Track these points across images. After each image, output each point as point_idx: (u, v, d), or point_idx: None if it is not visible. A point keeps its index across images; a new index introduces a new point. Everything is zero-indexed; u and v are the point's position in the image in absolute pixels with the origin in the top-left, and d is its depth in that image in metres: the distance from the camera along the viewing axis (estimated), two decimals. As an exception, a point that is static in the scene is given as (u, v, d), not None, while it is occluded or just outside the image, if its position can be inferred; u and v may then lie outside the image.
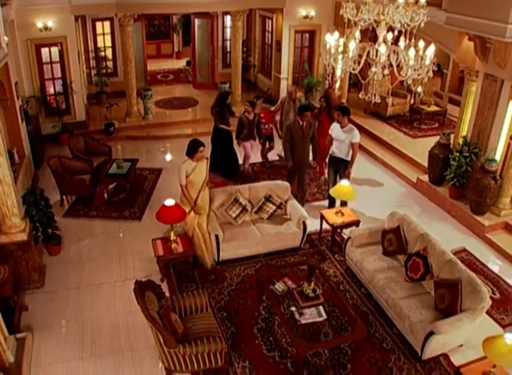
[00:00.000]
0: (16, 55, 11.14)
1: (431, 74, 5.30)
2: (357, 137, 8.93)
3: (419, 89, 5.51)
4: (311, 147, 9.55)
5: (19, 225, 7.07)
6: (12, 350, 5.95)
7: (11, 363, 5.86)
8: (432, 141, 10.66)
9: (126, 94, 13.36)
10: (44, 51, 12.06)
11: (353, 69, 5.32)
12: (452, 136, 10.27)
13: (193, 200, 7.79)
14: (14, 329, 6.36)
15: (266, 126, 11.30)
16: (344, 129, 8.93)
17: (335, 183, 9.09)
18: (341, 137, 8.95)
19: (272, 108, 11.63)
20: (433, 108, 13.92)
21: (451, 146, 10.06)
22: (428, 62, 5.14)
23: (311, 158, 9.75)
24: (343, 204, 9.23)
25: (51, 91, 12.56)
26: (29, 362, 6.13)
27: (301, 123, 9.09)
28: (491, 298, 6.38)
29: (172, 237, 7.63)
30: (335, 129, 9.11)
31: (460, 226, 9.42)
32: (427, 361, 6.32)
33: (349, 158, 9.05)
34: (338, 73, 5.49)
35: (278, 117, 11.53)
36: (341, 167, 9.16)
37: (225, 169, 10.88)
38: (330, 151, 9.38)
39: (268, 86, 15.63)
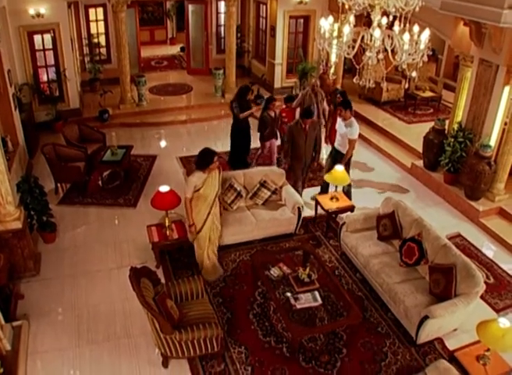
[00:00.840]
0: (9, 42, 11.03)
1: (425, 59, 5.28)
2: (354, 133, 8.76)
3: (414, 74, 5.49)
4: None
5: (14, 213, 7.05)
6: (8, 338, 5.97)
7: (8, 351, 5.88)
8: (426, 127, 10.66)
9: (119, 81, 13.26)
10: (37, 38, 11.93)
11: (348, 54, 5.28)
12: (447, 121, 10.27)
13: (193, 217, 7.13)
14: (10, 317, 6.38)
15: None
16: (346, 122, 8.78)
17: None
18: (341, 131, 8.87)
19: (293, 105, 11.09)
20: (428, 93, 13.89)
21: (446, 132, 10.06)
22: (422, 46, 5.12)
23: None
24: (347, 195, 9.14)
25: (45, 78, 12.46)
26: (25, 350, 6.14)
27: (304, 125, 8.65)
28: (485, 282, 6.44)
29: (167, 223, 7.63)
30: (339, 121, 9.00)
31: (455, 211, 9.45)
32: (421, 345, 6.37)
33: (344, 152, 8.95)
34: (332, 58, 5.46)
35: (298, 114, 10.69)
36: (338, 159, 9.02)
37: (246, 165, 10.43)
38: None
39: (263, 72, 15.55)
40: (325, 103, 11.14)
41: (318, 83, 11.06)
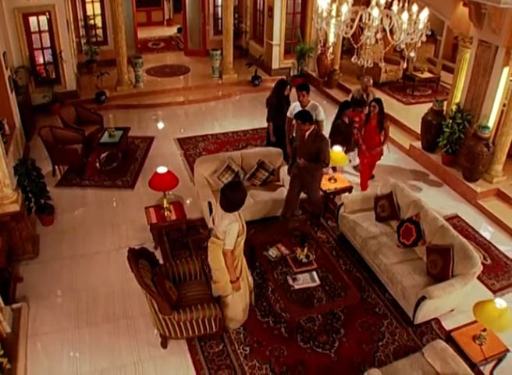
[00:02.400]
0: (4, 24, 10.91)
1: (424, 39, 5.25)
2: (322, 114, 8.46)
3: (412, 54, 5.46)
4: None
5: (12, 196, 7.04)
6: (8, 320, 6.01)
7: (8, 333, 5.93)
8: (425, 108, 10.62)
9: (116, 63, 13.17)
10: (32, 20, 11.76)
11: (346, 34, 5.25)
12: (445, 103, 10.22)
13: (237, 270, 5.89)
14: (9, 300, 6.40)
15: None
16: (307, 107, 8.29)
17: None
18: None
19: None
20: (426, 75, 13.81)
21: (444, 113, 10.03)
22: (421, 26, 5.10)
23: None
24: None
25: (41, 60, 12.32)
26: (25, 332, 6.17)
27: (303, 131, 7.41)
28: (482, 263, 6.44)
29: (165, 204, 7.64)
30: (296, 109, 8.30)
31: (453, 192, 9.46)
32: (419, 325, 6.43)
33: None
34: (331, 37, 5.41)
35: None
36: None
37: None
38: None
39: (260, 53, 15.43)
40: None
41: (371, 82, 9.83)
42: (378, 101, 8.46)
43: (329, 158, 7.49)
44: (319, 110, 8.44)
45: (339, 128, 9.15)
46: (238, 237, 5.56)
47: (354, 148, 9.42)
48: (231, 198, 5.44)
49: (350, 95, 9.98)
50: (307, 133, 7.31)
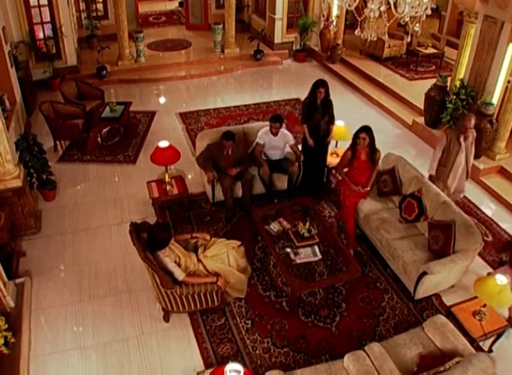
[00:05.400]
0: (3, -1, 10.79)
1: (429, 12, 5.17)
2: (292, 138, 8.03)
3: (417, 28, 5.39)
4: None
5: (13, 171, 7.03)
6: (11, 295, 6.06)
7: (11, 308, 5.98)
8: (428, 84, 10.54)
9: (117, 37, 13.05)
10: (32, -6, 11.67)
11: (349, 6, 5.18)
12: (449, 79, 10.13)
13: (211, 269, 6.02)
14: (13, 275, 6.45)
15: None
16: (277, 137, 7.83)
17: (271, 184, 8.07)
18: (276, 144, 7.95)
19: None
20: (430, 50, 13.69)
21: (448, 89, 9.95)
22: (426, -1, 5.01)
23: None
24: None
25: (41, 35, 12.19)
26: (29, 307, 6.23)
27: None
28: (483, 240, 6.45)
29: (167, 179, 7.64)
30: (267, 139, 7.86)
31: (455, 168, 9.42)
32: (419, 300, 6.47)
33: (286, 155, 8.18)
34: (334, 10, 5.34)
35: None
36: (284, 164, 8.05)
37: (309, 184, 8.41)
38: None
39: (263, 27, 15.26)
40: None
41: (473, 122, 7.36)
42: (369, 131, 6.98)
43: None
44: (288, 135, 8.01)
45: None
46: (180, 265, 5.70)
47: None
48: (158, 237, 5.57)
49: (443, 140, 7.59)
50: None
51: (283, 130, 7.91)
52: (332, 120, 8.02)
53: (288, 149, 8.12)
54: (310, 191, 8.27)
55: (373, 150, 7.10)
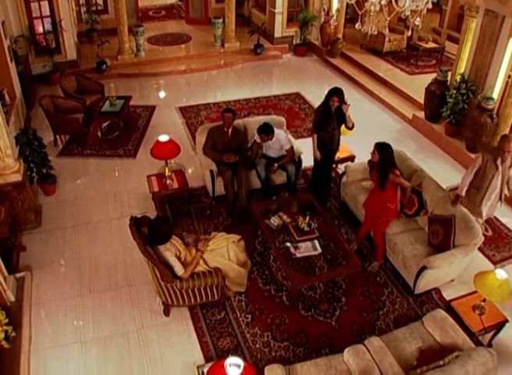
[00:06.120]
0: (2, -7, 10.75)
1: (430, 6, 5.15)
2: (287, 142, 7.81)
3: (417, 21, 5.36)
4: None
5: (13, 166, 7.02)
6: (12, 289, 6.07)
7: (12, 302, 5.99)
8: (428, 78, 10.52)
9: (117, 32, 13.02)
10: (31, -12, 11.62)
11: (350, 0, 5.16)
12: (449, 73, 10.11)
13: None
14: (13, 269, 6.46)
15: None
16: (272, 141, 7.66)
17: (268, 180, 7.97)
18: (272, 146, 7.82)
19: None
20: (431, 44, 13.67)
21: (448, 83, 9.94)
22: (427, -8, 4.99)
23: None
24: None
25: (40, 29, 12.15)
26: (29, 301, 6.24)
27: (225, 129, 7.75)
28: (483, 235, 6.45)
29: (167, 173, 7.64)
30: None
31: (456, 163, 9.43)
32: (419, 295, 6.48)
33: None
34: (334, 4, 5.32)
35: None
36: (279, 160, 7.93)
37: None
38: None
39: (263, 21, 15.22)
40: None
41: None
42: (383, 148, 6.29)
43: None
44: (284, 139, 7.80)
45: None
46: (180, 259, 5.71)
47: None
48: (159, 231, 5.59)
49: (478, 162, 6.85)
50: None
51: (278, 134, 7.69)
52: (352, 128, 7.53)
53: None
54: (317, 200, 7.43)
55: (383, 171, 6.33)
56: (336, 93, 7.16)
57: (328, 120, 7.36)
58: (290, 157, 7.87)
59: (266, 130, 7.49)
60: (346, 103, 7.15)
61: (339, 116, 7.32)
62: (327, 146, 7.61)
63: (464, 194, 6.86)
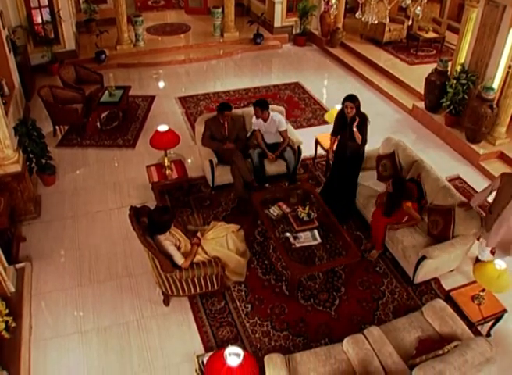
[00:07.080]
0: (-1, -17, 10.69)
1: (430, -5, 5.13)
2: (282, 124, 7.86)
3: (418, 11, 5.34)
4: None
5: (12, 156, 7.01)
6: (12, 280, 6.08)
7: (12, 293, 6.00)
8: (428, 68, 10.47)
9: (116, 21, 12.97)
10: (29, -23, 11.55)
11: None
12: (449, 63, 10.07)
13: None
14: (13, 259, 6.47)
15: None
16: (267, 122, 7.79)
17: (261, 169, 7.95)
18: (269, 129, 7.91)
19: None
20: (431, 34, 13.59)
21: (448, 73, 9.89)
22: (427, -19, 4.96)
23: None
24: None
25: (39, 20, 12.08)
26: (29, 291, 6.25)
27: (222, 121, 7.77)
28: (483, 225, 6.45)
29: (167, 163, 7.64)
30: (259, 124, 7.85)
31: (455, 153, 9.42)
32: (418, 285, 6.49)
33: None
34: (334, -7, 5.30)
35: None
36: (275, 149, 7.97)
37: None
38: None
39: (262, 10, 15.13)
40: None
41: None
42: (398, 184, 6.49)
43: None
44: (280, 121, 7.84)
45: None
46: (180, 248, 5.72)
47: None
48: (159, 220, 5.59)
49: (496, 182, 6.29)
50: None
51: (274, 116, 7.75)
52: (361, 145, 6.95)
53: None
54: (334, 213, 6.89)
55: (394, 203, 6.52)
56: (349, 99, 6.71)
57: (342, 128, 7.01)
58: (286, 141, 7.93)
59: (262, 104, 7.61)
60: (360, 116, 6.76)
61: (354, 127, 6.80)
62: (339, 152, 7.26)
63: (474, 206, 6.46)
